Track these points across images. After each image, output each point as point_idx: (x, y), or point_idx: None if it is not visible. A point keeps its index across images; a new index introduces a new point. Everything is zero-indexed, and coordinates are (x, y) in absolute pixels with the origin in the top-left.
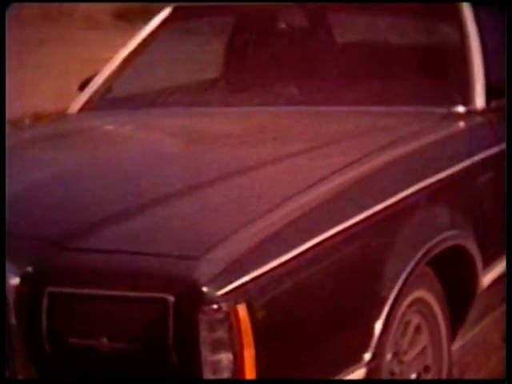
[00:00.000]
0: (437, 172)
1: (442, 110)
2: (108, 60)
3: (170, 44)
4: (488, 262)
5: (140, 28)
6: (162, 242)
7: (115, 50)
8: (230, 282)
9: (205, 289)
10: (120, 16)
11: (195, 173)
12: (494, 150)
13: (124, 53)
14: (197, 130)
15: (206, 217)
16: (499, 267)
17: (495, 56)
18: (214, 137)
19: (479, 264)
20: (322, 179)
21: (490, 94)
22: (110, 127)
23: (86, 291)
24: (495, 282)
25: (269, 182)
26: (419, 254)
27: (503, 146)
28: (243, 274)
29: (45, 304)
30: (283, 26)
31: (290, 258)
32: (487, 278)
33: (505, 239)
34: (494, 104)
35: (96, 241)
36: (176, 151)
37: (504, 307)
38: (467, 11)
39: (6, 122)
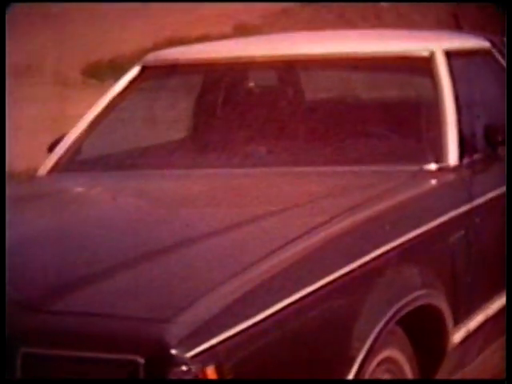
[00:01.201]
0: (407, 231)
1: (413, 168)
2: (78, 118)
3: (140, 103)
4: (459, 319)
5: (109, 85)
6: (133, 304)
7: (85, 108)
8: (200, 344)
9: (174, 351)
10: (89, 72)
11: (165, 235)
12: (467, 207)
13: (93, 112)
14: (165, 192)
15: (176, 279)
16: (471, 324)
17: (470, 109)
18: (183, 199)
19: (450, 322)
20: (293, 240)
21: (463, 150)
22: (79, 190)
23: (58, 352)
24: (466, 339)
25: (238, 243)
26: (389, 314)
27: (476, 202)
28: (213, 336)
29: (19, 364)
30: (252, 84)
31: (260, 319)
32: (458, 336)
33: (479, 293)
34: (467, 160)
35: (68, 303)
36: (146, 214)
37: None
38: (441, 63)
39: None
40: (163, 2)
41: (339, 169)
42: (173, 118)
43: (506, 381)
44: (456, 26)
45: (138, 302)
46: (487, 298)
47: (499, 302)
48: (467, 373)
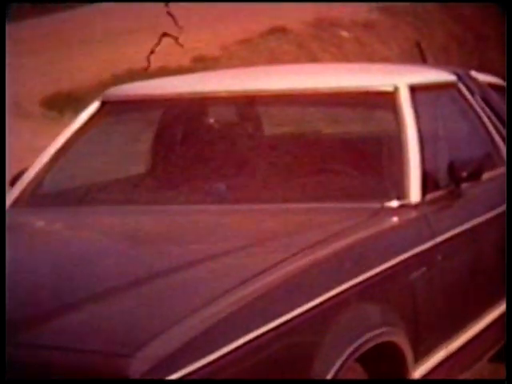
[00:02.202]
0: (368, 269)
1: (374, 205)
2: (39, 151)
3: (99, 138)
4: (420, 356)
5: (69, 118)
6: (95, 339)
7: (46, 140)
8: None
9: None
10: (48, 104)
11: (127, 271)
12: (429, 244)
13: (54, 146)
14: (125, 228)
15: (140, 313)
16: (432, 361)
17: (434, 145)
18: (143, 235)
19: (410, 359)
20: (253, 277)
21: (425, 186)
22: (40, 225)
23: None
24: (427, 376)
25: (200, 280)
26: (348, 351)
27: (438, 239)
28: (174, 371)
29: None
30: (211, 120)
31: (221, 355)
32: (418, 373)
33: (441, 330)
34: (429, 197)
35: (34, 336)
36: (106, 250)
37: None
38: (405, 99)
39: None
40: (122, 34)
41: (300, 206)
42: (133, 154)
43: (506, 381)
44: (420, 55)
45: (101, 336)
46: (449, 334)
47: (462, 338)
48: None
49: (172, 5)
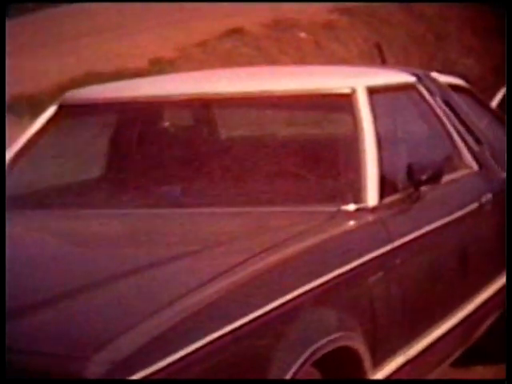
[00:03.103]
0: (324, 273)
1: (331, 209)
2: None
3: (57, 141)
4: (379, 361)
5: (27, 121)
6: (52, 341)
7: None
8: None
9: None
10: (7, 108)
11: (82, 274)
12: (386, 248)
13: (11, 151)
14: (82, 232)
15: (97, 316)
16: (391, 365)
17: (392, 147)
18: (100, 239)
19: (368, 364)
20: (208, 281)
21: (383, 190)
22: None
23: None
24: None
25: (156, 283)
26: (305, 355)
27: (396, 243)
28: (131, 374)
29: None
30: (166, 124)
31: (179, 357)
32: (377, 377)
33: (400, 335)
34: (387, 200)
35: None
36: (64, 253)
37: None
38: (362, 100)
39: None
40: (82, 36)
41: (255, 209)
42: (90, 157)
43: (506, 381)
44: (379, 56)
45: (59, 338)
46: (409, 339)
47: (423, 342)
48: None
49: (129, 7)
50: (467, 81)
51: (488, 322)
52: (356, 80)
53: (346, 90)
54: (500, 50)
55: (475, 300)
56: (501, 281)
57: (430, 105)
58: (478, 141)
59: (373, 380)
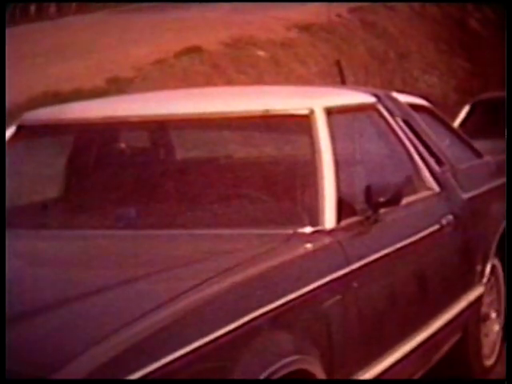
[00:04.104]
0: (280, 296)
1: (287, 232)
2: None
3: (15, 162)
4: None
5: None
6: (14, 359)
7: None
8: None
9: None
10: None
11: (34, 296)
12: (343, 271)
13: None
14: (37, 253)
15: (49, 339)
16: None
17: (350, 169)
18: (54, 260)
19: None
20: (162, 305)
21: (340, 212)
22: None
23: None
24: None
25: (108, 307)
26: (261, 379)
27: (354, 266)
28: None
29: None
30: (122, 145)
31: (139, 377)
32: None
33: (357, 357)
34: (345, 223)
35: None
36: (16, 274)
37: None
38: (320, 122)
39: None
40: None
41: (212, 232)
42: (48, 178)
43: (506, 381)
44: (339, 74)
45: (18, 357)
46: (366, 362)
47: (380, 366)
48: None
49: (88, 25)
50: (428, 100)
51: (448, 345)
52: (314, 101)
53: (304, 111)
54: (465, 66)
55: (435, 323)
56: (461, 303)
57: (389, 125)
58: (439, 161)
59: (373, 380)
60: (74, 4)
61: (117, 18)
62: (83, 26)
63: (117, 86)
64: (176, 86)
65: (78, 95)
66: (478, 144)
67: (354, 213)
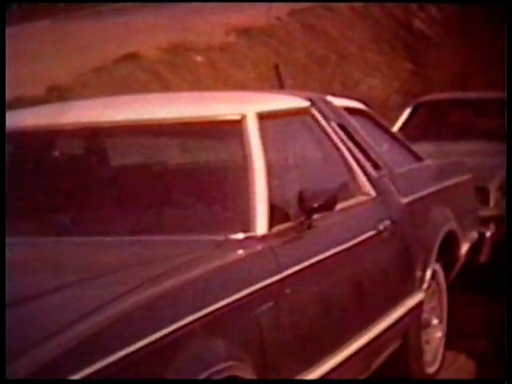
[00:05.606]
0: (211, 303)
1: (219, 238)
2: None
3: None
4: None
5: None
6: None
7: None
8: None
9: None
10: None
11: None
12: (276, 277)
13: None
14: None
15: None
16: None
17: (283, 174)
18: None
19: None
20: (92, 311)
21: (273, 218)
22: None
23: None
24: None
25: (37, 314)
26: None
27: (286, 272)
28: None
29: None
30: (57, 153)
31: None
32: None
33: (291, 364)
34: (277, 229)
35: None
36: None
37: None
38: (252, 127)
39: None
40: None
41: (144, 238)
42: None
43: (506, 381)
44: (277, 77)
45: None
46: (301, 368)
47: (316, 373)
48: None
49: (26, 34)
50: (366, 103)
51: (388, 352)
52: (246, 106)
53: (236, 117)
54: (407, 68)
55: (373, 329)
56: (400, 310)
57: (324, 130)
58: (376, 166)
59: (373, 380)
60: (17, 13)
61: (57, 26)
62: (27, 34)
63: (57, 94)
64: (115, 93)
65: (19, 103)
66: (421, 147)
67: (286, 219)
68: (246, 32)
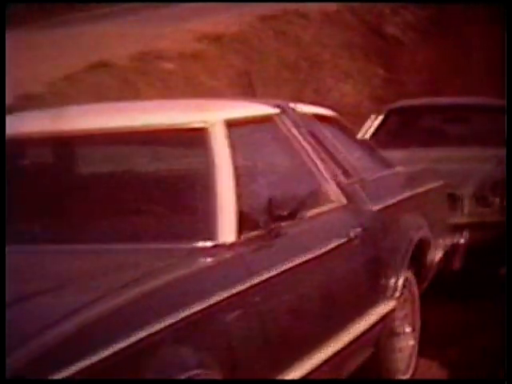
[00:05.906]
0: (178, 311)
1: (187, 246)
2: None
3: None
4: None
5: None
6: None
7: None
8: None
9: None
10: None
11: None
12: (244, 286)
13: None
14: None
15: None
16: None
17: (251, 182)
18: None
19: None
20: (60, 319)
21: (241, 226)
22: None
23: None
24: None
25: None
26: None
27: (255, 281)
28: None
29: None
30: (27, 162)
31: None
32: None
33: (261, 371)
34: (245, 236)
35: None
36: None
37: None
38: (219, 135)
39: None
40: None
41: (113, 247)
42: None
43: (506, 381)
44: (248, 84)
45: None
46: (272, 376)
47: (290, 377)
48: None
49: None
50: (337, 111)
51: (360, 360)
52: (214, 113)
53: (203, 125)
54: (379, 74)
55: (343, 337)
56: (371, 318)
57: (293, 137)
58: (346, 173)
59: (374, 380)
60: None
61: (28, 34)
62: None
63: (27, 103)
64: (86, 101)
65: None
66: (394, 154)
67: (255, 226)
68: (217, 39)
